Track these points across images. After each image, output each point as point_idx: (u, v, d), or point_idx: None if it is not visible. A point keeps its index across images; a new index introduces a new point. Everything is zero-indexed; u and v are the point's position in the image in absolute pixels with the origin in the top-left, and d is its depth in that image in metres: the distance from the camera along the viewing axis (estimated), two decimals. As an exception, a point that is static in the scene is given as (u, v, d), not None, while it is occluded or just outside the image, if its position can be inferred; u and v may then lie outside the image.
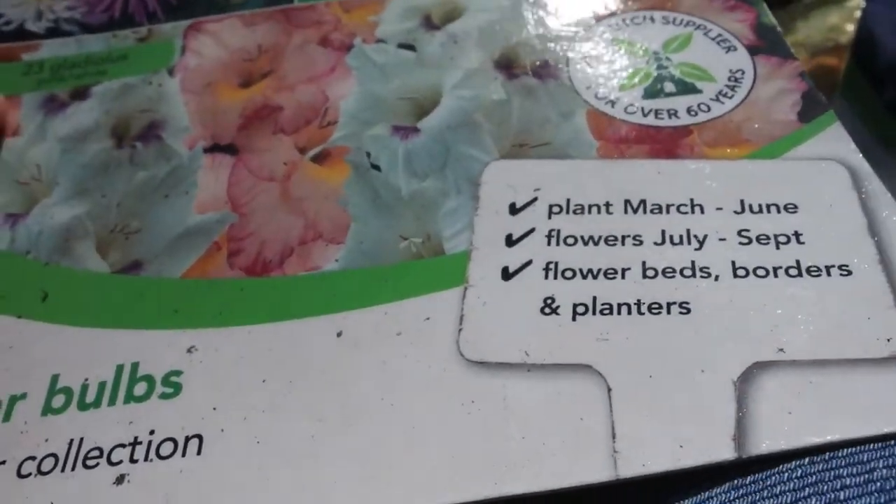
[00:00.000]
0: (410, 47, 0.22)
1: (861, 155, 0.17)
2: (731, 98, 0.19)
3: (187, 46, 0.23)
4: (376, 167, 0.19)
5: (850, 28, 0.40)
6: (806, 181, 0.17)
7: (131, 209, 0.19)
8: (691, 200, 0.17)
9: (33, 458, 0.16)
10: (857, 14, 0.39)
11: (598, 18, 0.22)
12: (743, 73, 0.20)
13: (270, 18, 0.23)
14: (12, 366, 0.17)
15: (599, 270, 0.16)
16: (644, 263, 0.16)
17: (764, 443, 0.13)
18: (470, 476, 0.14)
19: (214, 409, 0.16)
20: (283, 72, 0.22)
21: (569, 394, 0.14)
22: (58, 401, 0.16)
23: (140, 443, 0.15)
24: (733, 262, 0.16)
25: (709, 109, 0.19)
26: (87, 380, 0.17)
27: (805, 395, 0.14)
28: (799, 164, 0.17)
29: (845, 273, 0.15)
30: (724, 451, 0.13)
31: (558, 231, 0.17)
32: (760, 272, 0.16)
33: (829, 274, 0.15)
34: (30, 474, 0.15)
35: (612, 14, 0.22)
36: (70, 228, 0.19)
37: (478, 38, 0.22)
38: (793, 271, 0.15)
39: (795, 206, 0.17)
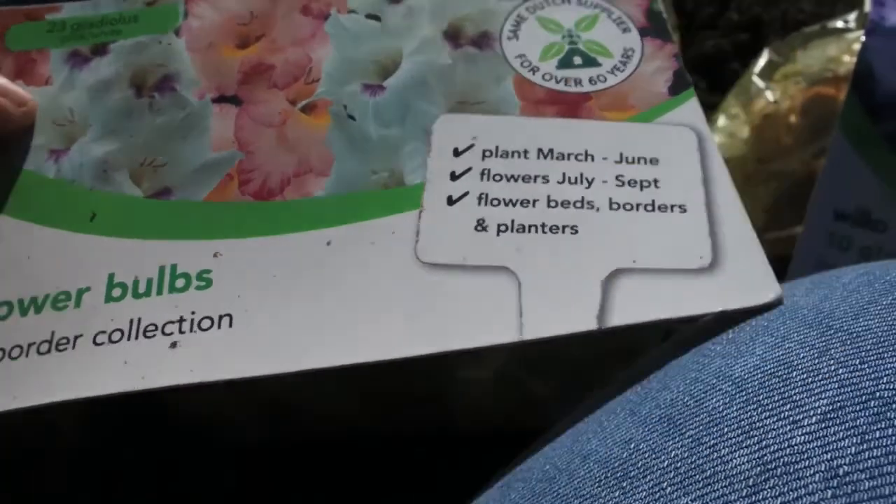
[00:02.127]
0: (376, 17, 0.27)
1: (706, 123, 0.24)
2: (622, 72, 0.25)
3: (189, 11, 0.27)
4: (352, 117, 0.25)
5: (849, 59, 0.42)
6: (667, 141, 0.24)
7: (156, 147, 0.25)
8: (585, 151, 0.23)
9: (104, 331, 0.21)
10: (856, 46, 0.39)
11: (527, -2, 0.27)
12: (633, 51, 0.26)
13: (259, -14, 0.28)
14: (74, 267, 0.23)
15: (517, 201, 0.23)
16: (549, 197, 0.23)
17: (616, 319, 0.20)
18: (422, 335, 0.20)
19: (238, 296, 0.21)
20: (273, 36, 0.27)
21: (492, 285, 0.21)
22: (116, 292, 0.22)
23: (185, 320, 0.21)
24: (610, 199, 0.22)
25: (605, 80, 0.25)
26: (136, 277, 0.22)
27: (647, 292, 0.21)
28: (664, 127, 0.24)
29: (682, 211, 0.22)
30: (591, 324, 0.20)
31: (489, 170, 0.23)
32: (627, 207, 0.22)
33: (672, 210, 0.22)
34: (103, 343, 0.21)
35: (538, -5, 0.27)
36: (106, 161, 0.25)
37: (430, 12, 0.27)
38: (649, 208, 0.22)
39: (657, 160, 0.23)
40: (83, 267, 0.23)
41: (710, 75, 0.52)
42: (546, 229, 0.22)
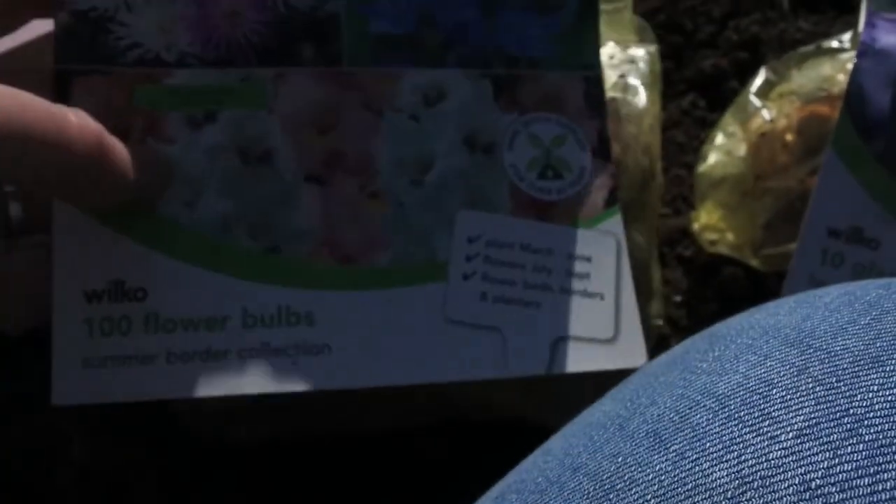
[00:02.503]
0: (416, 118, 0.38)
1: (623, 230, 0.38)
2: (578, 185, 0.38)
3: (277, 92, 0.36)
4: (402, 205, 0.36)
5: (843, 79, 0.42)
6: (599, 244, 0.38)
7: (264, 211, 0.35)
8: (549, 248, 0.37)
9: (245, 349, 0.34)
10: (850, 66, 0.39)
11: (522, 112, 0.39)
12: (586, 169, 0.39)
13: (330, 78, 0.37)
14: (217, 299, 0.34)
15: (506, 281, 0.36)
16: (525, 281, 0.36)
17: (556, 369, 0.35)
18: (449, 368, 0.34)
19: (334, 333, 0.34)
20: (344, 127, 0.37)
21: (489, 339, 0.35)
22: (249, 321, 0.34)
23: (300, 346, 0.34)
24: (561, 286, 0.37)
25: (566, 192, 0.38)
26: (262, 312, 0.34)
27: (575, 353, 0.36)
28: (598, 233, 0.38)
29: (602, 299, 0.37)
30: (543, 370, 0.35)
31: (490, 256, 0.36)
32: (570, 293, 0.37)
33: (595, 297, 0.37)
34: (246, 357, 0.34)
35: (530, 111, 0.39)
36: (227, 217, 0.35)
37: (456, 119, 0.38)
38: (582, 294, 0.37)
39: (591, 258, 0.37)
40: (224, 300, 0.34)
41: (708, 93, 0.54)
42: (522, 304, 0.36)
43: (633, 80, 0.41)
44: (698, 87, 0.54)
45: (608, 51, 0.42)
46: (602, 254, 0.38)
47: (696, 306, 0.48)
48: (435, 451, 0.42)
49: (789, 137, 0.44)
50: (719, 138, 0.46)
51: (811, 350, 0.19)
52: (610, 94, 0.41)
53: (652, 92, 0.42)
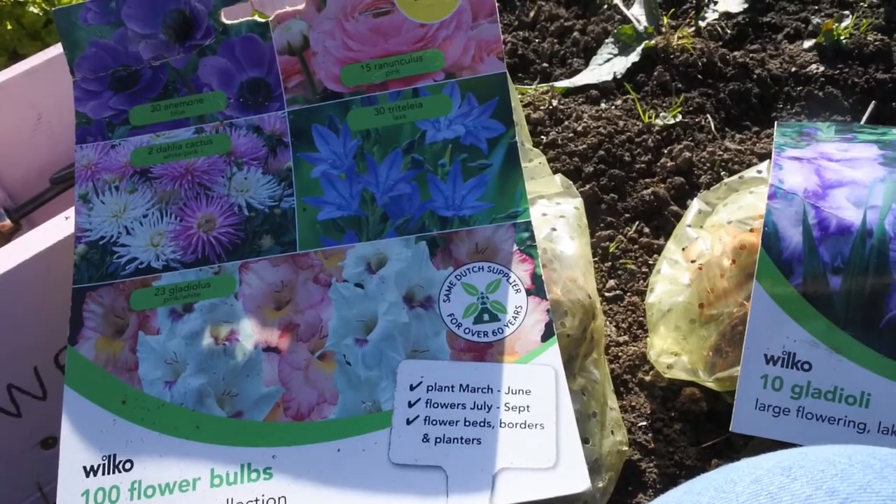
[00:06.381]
0: (361, 286, 0.43)
1: (561, 361, 0.40)
2: (513, 325, 0.41)
3: (242, 279, 0.43)
4: (349, 363, 0.41)
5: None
6: (536, 377, 0.40)
7: (230, 382, 0.41)
8: (488, 386, 0.40)
9: (212, 508, 0.38)
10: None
11: (456, 266, 0.43)
12: (521, 308, 0.42)
13: (285, 261, 0.44)
14: (189, 463, 0.39)
15: (446, 421, 0.39)
16: (465, 419, 0.39)
17: (499, 501, 0.36)
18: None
19: (289, 485, 0.38)
20: (297, 300, 0.42)
21: (431, 478, 0.37)
22: (216, 481, 0.38)
23: (259, 500, 0.38)
24: (500, 420, 0.39)
25: (502, 332, 0.41)
26: (227, 471, 0.38)
27: (517, 482, 0.37)
28: (535, 367, 0.40)
29: (542, 428, 0.38)
30: (484, 502, 0.36)
31: (431, 399, 0.39)
32: (510, 425, 0.38)
33: (535, 428, 0.38)
34: (212, 516, 0.37)
35: (464, 264, 0.43)
36: (201, 391, 0.41)
37: (395, 280, 0.43)
38: (522, 426, 0.38)
39: (530, 391, 0.39)
40: (195, 463, 0.39)
41: (652, 220, 0.57)
42: (463, 441, 0.38)
43: (565, 232, 0.45)
44: (642, 216, 0.56)
45: (540, 209, 0.46)
46: (541, 385, 0.40)
47: (661, 429, 0.47)
48: None
49: (726, 264, 0.45)
50: (664, 268, 0.48)
51: None
52: (545, 244, 0.45)
53: (581, 240, 0.45)
